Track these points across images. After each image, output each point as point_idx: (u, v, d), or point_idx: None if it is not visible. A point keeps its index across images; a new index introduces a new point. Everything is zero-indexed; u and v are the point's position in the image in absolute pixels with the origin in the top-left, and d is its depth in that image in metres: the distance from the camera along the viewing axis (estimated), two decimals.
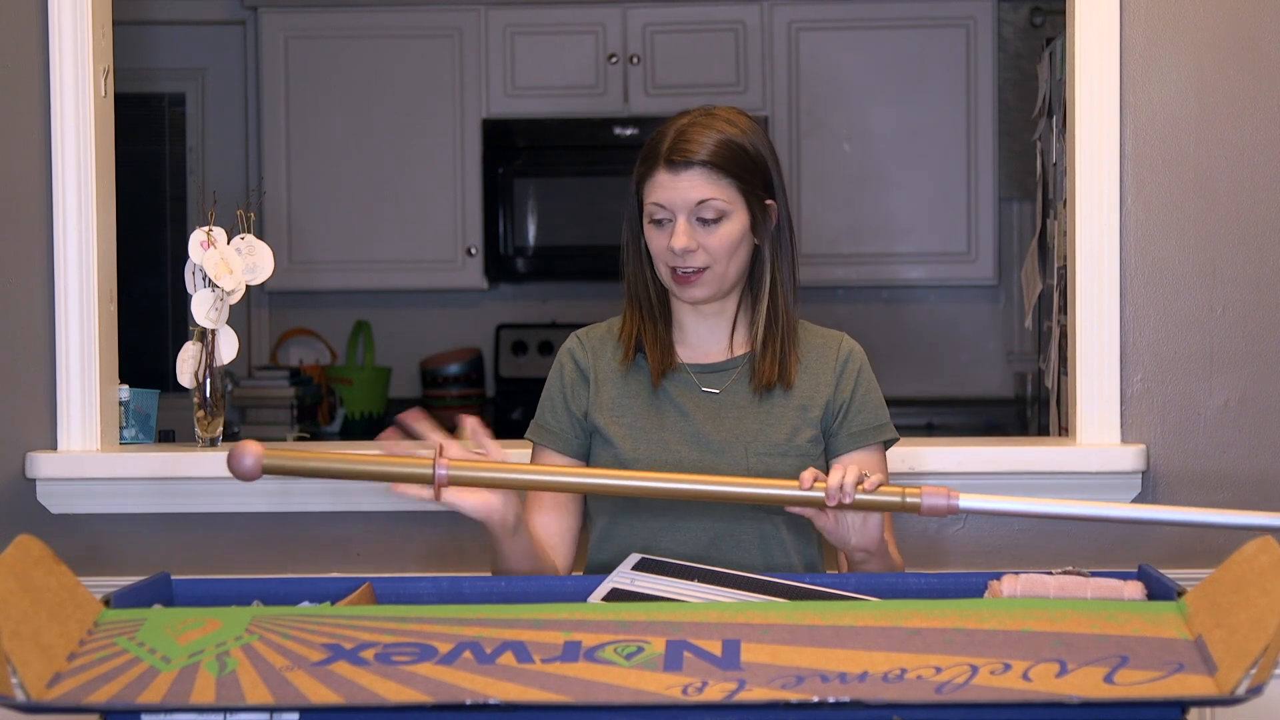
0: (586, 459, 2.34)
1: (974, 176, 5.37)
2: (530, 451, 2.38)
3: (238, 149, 5.63)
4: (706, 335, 2.34)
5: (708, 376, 2.32)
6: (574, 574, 2.33)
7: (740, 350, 2.34)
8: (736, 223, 2.25)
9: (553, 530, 2.32)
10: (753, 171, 2.26)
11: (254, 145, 5.54)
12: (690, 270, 2.25)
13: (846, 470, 2.03)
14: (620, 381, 2.32)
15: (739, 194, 2.25)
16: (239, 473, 1.96)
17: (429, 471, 1.99)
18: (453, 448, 2.03)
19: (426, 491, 2.02)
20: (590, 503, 2.34)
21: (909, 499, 2.02)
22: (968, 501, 2.01)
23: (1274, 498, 2.85)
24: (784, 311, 2.32)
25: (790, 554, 2.28)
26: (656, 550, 2.25)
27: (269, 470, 1.97)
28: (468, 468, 2.01)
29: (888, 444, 2.35)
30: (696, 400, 2.30)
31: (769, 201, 2.29)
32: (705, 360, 2.33)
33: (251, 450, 1.96)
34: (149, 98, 5.62)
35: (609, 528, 2.31)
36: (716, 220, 2.24)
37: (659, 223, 2.26)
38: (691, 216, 2.23)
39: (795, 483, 2.04)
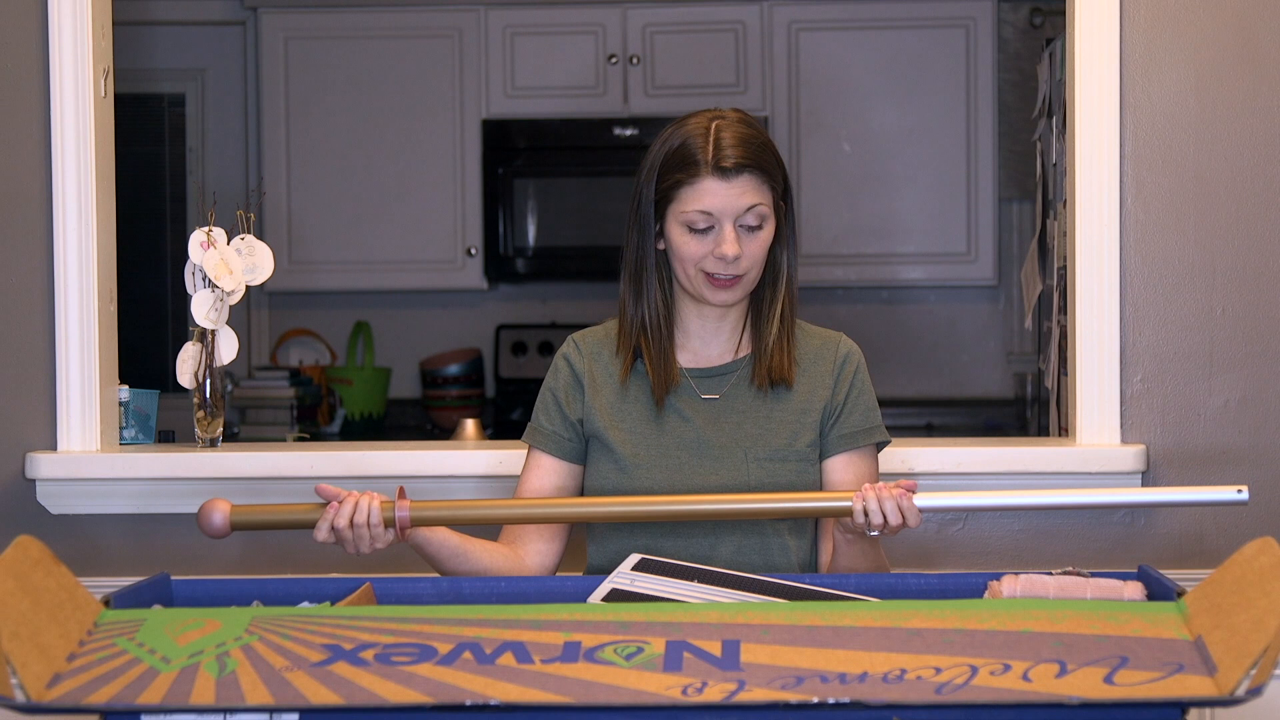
0: (582, 461, 2.34)
1: (974, 177, 5.37)
2: (526, 453, 2.38)
3: (238, 149, 5.63)
4: (711, 339, 2.33)
5: (707, 382, 2.31)
6: (573, 574, 2.33)
7: (742, 353, 2.34)
8: (770, 227, 2.26)
9: (533, 562, 2.34)
10: (782, 175, 2.28)
11: (254, 145, 5.54)
12: (728, 276, 2.24)
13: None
14: (619, 389, 2.32)
15: (773, 198, 2.25)
16: (209, 531, 2.13)
17: (391, 515, 2.14)
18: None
19: (390, 535, 2.15)
20: None
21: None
22: (922, 500, 2.09)
23: (1274, 497, 2.85)
24: (791, 314, 2.32)
25: (790, 556, 2.28)
26: (656, 554, 2.25)
27: (237, 526, 2.14)
28: (426, 508, 2.15)
29: (880, 446, 2.35)
30: (696, 405, 2.30)
31: (781, 204, 2.29)
32: (705, 364, 2.33)
33: (220, 508, 2.13)
34: (149, 98, 5.62)
35: (608, 532, 2.31)
36: (758, 226, 2.24)
37: (699, 230, 2.24)
38: (737, 223, 2.23)
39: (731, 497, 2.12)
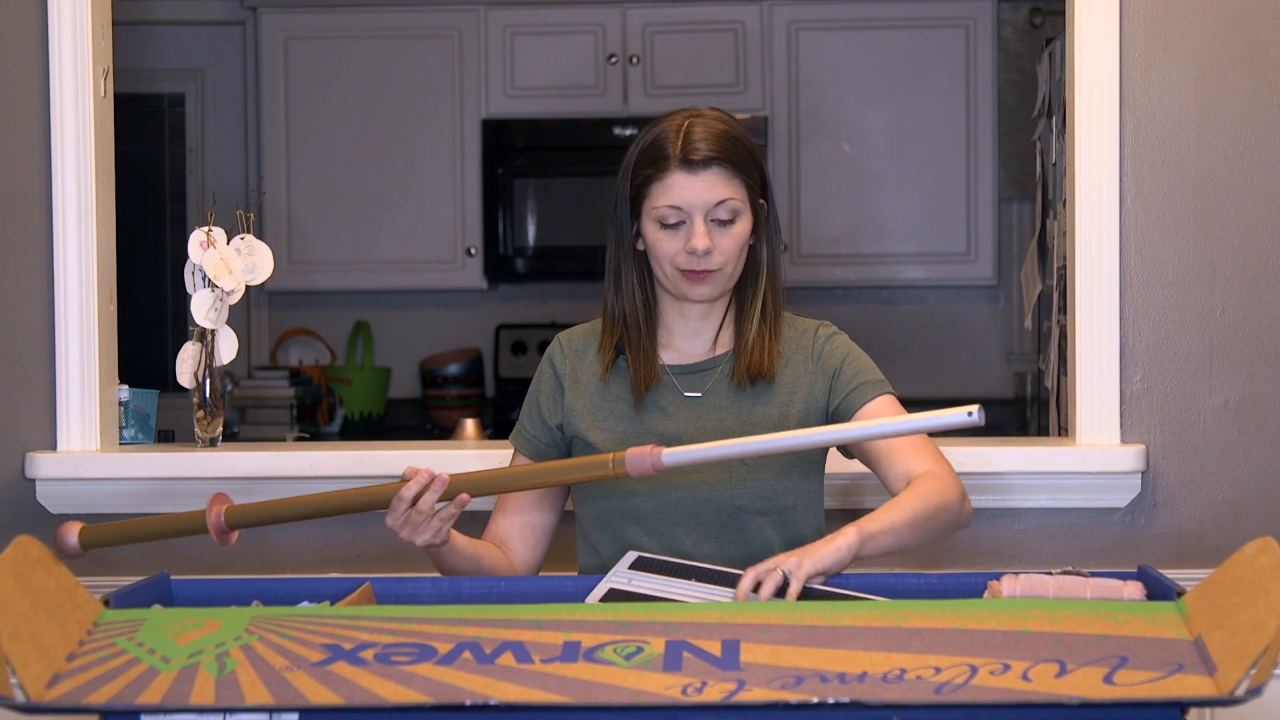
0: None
1: (974, 177, 5.36)
2: (511, 452, 2.40)
3: (238, 149, 5.63)
4: (694, 337, 2.33)
5: (689, 378, 2.31)
6: (570, 575, 2.33)
7: (722, 349, 2.33)
8: (746, 222, 2.25)
9: (514, 532, 2.35)
10: (756, 170, 2.27)
11: (254, 145, 5.54)
12: (703, 270, 2.24)
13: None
14: (601, 386, 2.32)
15: (747, 193, 2.25)
16: (64, 551, 2.17)
17: (205, 523, 2.13)
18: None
19: (437, 525, 2.13)
20: (578, 509, 2.34)
21: (615, 464, 2.03)
22: (670, 456, 2.00)
23: (1274, 497, 2.85)
24: (774, 310, 2.31)
25: (775, 552, 2.27)
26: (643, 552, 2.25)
27: (88, 545, 2.18)
28: (244, 512, 2.13)
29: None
30: (678, 403, 2.29)
31: (762, 201, 2.29)
32: (687, 360, 2.33)
33: (71, 530, 2.17)
34: (149, 98, 5.62)
35: (592, 532, 2.31)
36: (731, 220, 2.23)
37: (670, 225, 2.24)
38: (708, 217, 2.23)
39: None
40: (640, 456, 2.00)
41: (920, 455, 2.24)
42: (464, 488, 2.09)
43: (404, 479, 2.10)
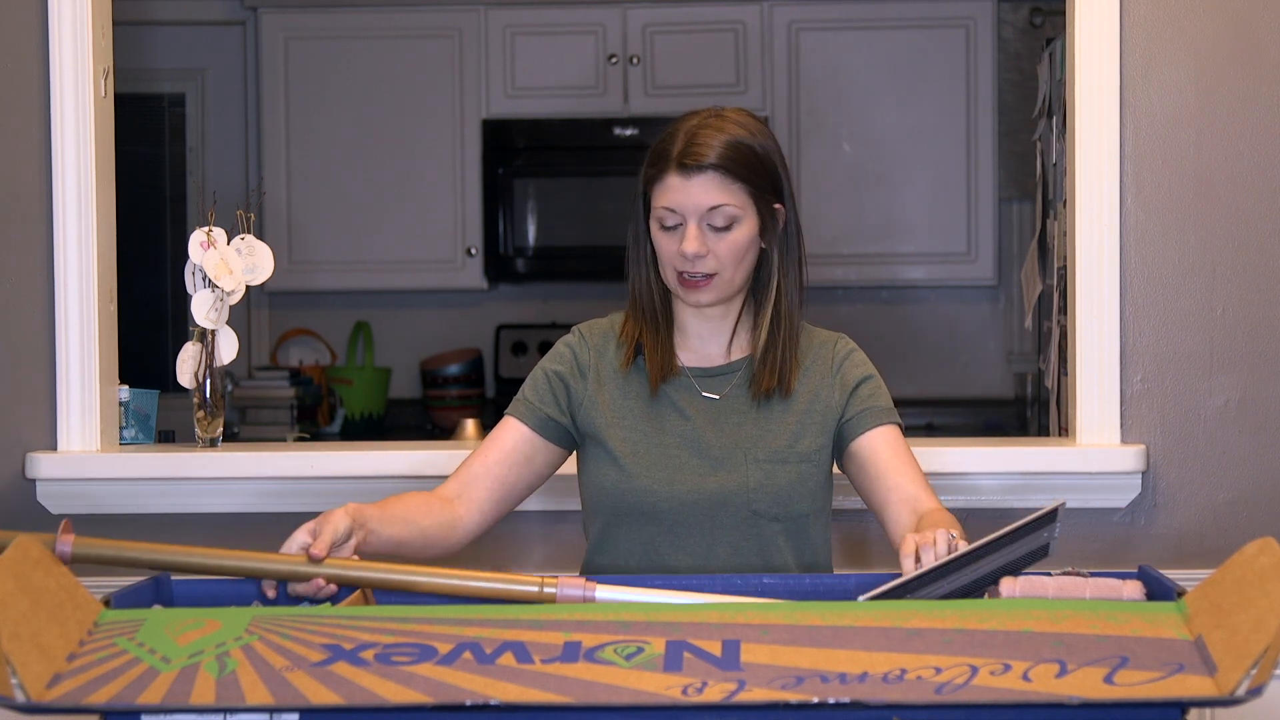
0: (558, 444, 2.31)
1: (974, 177, 5.36)
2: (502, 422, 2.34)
3: (238, 149, 5.63)
4: (708, 338, 2.32)
5: (708, 380, 2.31)
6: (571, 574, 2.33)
7: (740, 354, 2.32)
8: (746, 229, 2.23)
9: (483, 482, 2.27)
10: (763, 175, 2.24)
11: (254, 145, 5.54)
12: (698, 275, 2.23)
13: (936, 541, 1.98)
14: (621, 383, 2.31)
15: (749, 198, 2.22)
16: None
17: (56, 549, 1.99)
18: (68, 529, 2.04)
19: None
20: (587, 505, 2.34)
21: (546, 589, 1.97)
22: (605, 593, 1.95)
23: (1274, 497, 2.85)
24: (787, 317, 2.29)
25: (787, 557, 2.27)
26: (654, 555, 2.25)
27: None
28: (90, 546, 2.02)
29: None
30: (697, 405, 2.29)
31: (777, 205, 2.28)
32: (705, 364, 2.32)
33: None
34: (149, 98, 5.62)
35: (605, 531, 2.30)
36: (727, 227, 2.21)
37: (668, 227, 2.23)
38: (702, 222, 2.21)
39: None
40: (574, 586, 1.96)
41: (926, 487, 2.25)
42: (363, 582, 2.00)
43: (309, 554, 1.99)
